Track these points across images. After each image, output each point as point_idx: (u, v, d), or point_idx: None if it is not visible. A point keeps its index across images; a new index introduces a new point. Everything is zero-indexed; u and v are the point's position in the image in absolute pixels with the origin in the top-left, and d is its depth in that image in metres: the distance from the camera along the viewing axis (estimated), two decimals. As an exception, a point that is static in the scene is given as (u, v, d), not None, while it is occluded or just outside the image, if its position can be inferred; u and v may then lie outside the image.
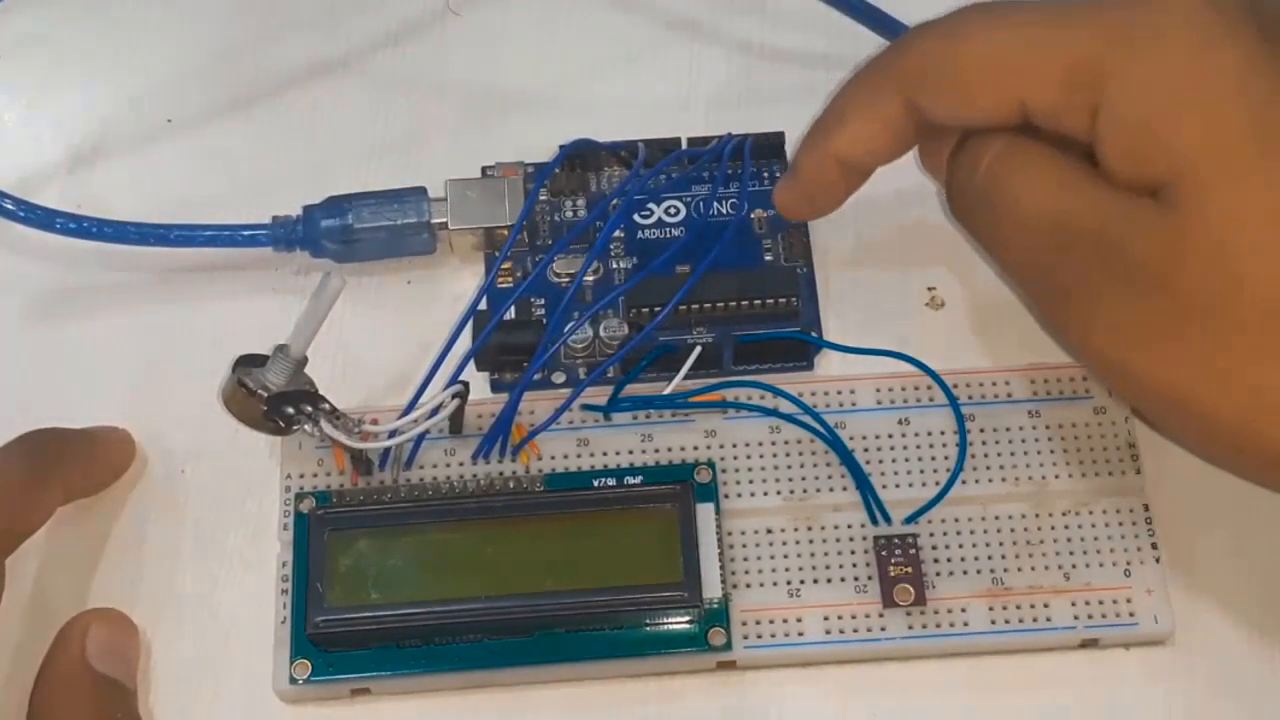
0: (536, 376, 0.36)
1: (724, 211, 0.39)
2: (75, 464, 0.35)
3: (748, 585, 0.34)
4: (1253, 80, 0.29)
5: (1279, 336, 0.28)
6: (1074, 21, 0.30)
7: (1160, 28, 0.29)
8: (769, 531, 0.35)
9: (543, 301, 0.38)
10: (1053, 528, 0.35)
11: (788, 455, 0.36)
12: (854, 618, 0.34)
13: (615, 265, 0.38)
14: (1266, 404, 0.29)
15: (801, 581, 0.34)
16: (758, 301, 0.37)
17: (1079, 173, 0.31)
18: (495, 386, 0.37)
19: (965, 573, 0.34)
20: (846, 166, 0.34)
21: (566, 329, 0.36)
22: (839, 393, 0.36)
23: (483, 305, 0.37)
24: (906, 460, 0.35)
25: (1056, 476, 0.35)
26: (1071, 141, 0.31)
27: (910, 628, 0.34)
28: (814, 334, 0.37)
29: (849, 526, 0.35)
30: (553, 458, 0.36)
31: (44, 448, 0.35)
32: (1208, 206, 0.28)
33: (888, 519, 0.35)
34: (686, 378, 0.36)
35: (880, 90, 0.33)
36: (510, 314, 0.37)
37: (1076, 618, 0.34)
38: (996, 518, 0.35)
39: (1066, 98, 0.30)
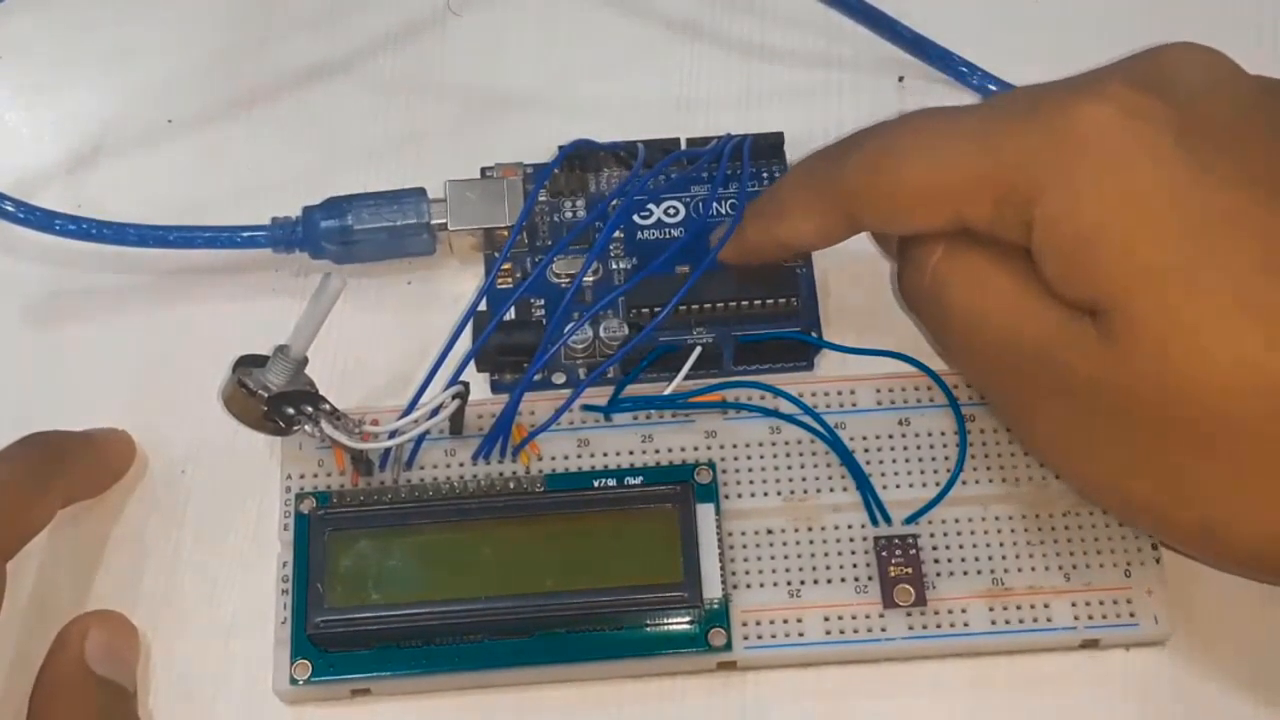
0: (537, 377, 0.36)
1: (723, 212, 0.39)
2: (76, 467, 0.35)
3: (748, 586, 0.34)
4: (1176, 192, 0.28)
5: (1231, 452, 0.28)
6: (1000, 139, 0.30)
7: (1079, 146, 0.29)
8: (769, 532, 0.35)
9: (542, 302, 0.38)
10: (1053, 528, 0.35)
11: (788, 456, 0.36)
12: (854, 618, 0.34)
13: (615, 266, 0.38)
14: (1221, 514, 0.29)
15: (802, 582, 0.34)
16: (758, 301, 0.37)
17: (1020, 283, 0.31)
18: (495, 387, 0.37)
19: (965, 573, 0.34)
20: (784, 248, 0.36)
21: (566, 329, 0.36)
22: (839, 393, 0.36)
23: (483, 306, 0.37)
24: (907, 461, 0.35)
25: (1057, 477, 0.35)
26: (1013, 245, 0.31)
27: (910, 628, 0.34)
28: (814, 334, 0.37)
29: (849, 527, 0.35)
30: (553, 458, 0.36)
31: (45, 451, 0.35)
32: (1143, 333, 0.28)
33: (888, 519, 0.35)
34: (687, 378, 0.36)
35: (820, 201, 0.34)
36: (510, 315, 0.37)
37: (1077, 618, 0.34)
38: (997, 518, 0.35)
39: (1000, 215, 0.30)
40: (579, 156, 0.39)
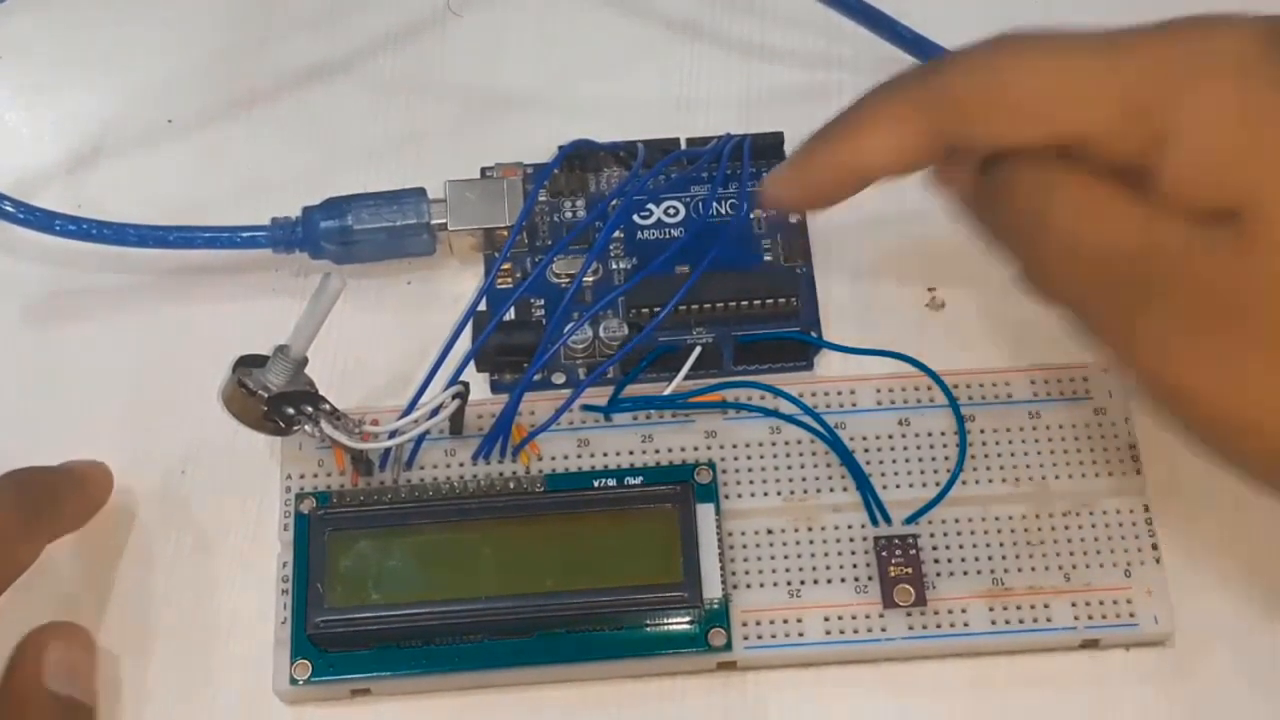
0: (536, 377, 0.36)
1: (723, 212, 0.39)
2: (61, 505, 0.35)
3: (748, 586, 0.34)
4: None
5: None
6: (1129, 51, 0.30)
7: (1221, 58, 0.29)
8: (769, 532, 0.35)
9: (542, 302, 0.38)
10: (1053, 528, 0.35)
11: (788, 456, 0.36)
12: (854, 618, 0.34)
13: (615, 266, 0.38)
14: None
15: (802, 582, 0.34)
16: (757, 301, 0.37)
17: (1131, 199, 0.30)
18: (495, 387, 0.37)
19: (965, 573, 0.34)
20: (853, 175, 0.33)
21: (566, 329, 0.36)
22: (839, 393, 0.36)
23: (482, 306, 0.37)
24: (907, 461, 0.35)
25: (1057, 477, 0.35)
26: (1114, 168, 0.30)
27: (910, 628, 0.34)
28: (814, 334, 0.37)
29: (849, 527, 0.35)
30: (553, 458, 0.36)
31: (30, 492, 0.34)
32: None
33: (888, 519, 0.35)
34: (686, 378, 0.36)
35: (908, 115, 0.32)
36: (510, 315, 0.37)
37: (1077, 618, 0.34)
38: (997, 518, 0.35)
39: (1126, 126, 0.30)
40: (579, 156, 0.40)
